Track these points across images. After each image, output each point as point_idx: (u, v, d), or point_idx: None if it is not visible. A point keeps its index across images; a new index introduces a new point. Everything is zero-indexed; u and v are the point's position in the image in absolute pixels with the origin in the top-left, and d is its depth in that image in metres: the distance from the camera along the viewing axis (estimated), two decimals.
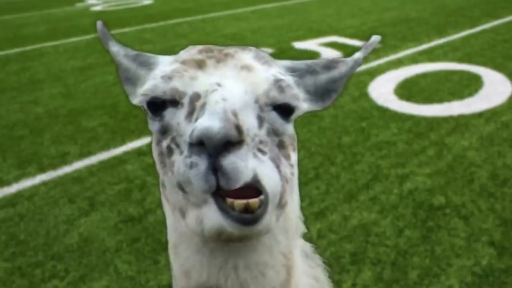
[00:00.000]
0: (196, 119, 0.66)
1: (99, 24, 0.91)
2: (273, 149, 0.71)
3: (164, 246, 2.46)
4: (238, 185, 0.63)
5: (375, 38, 0.89)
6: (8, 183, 3.42)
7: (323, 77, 0.83)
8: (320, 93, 0.83)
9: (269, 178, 0.68)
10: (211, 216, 0.66)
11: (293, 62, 0.83)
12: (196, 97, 0.69)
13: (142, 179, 3.32)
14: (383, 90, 4.66)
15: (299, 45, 6.70)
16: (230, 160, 0.63)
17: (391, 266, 2.32)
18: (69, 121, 4.51)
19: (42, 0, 14.10)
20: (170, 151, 0.71)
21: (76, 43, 7.93)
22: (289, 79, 0.78)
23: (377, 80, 4.93)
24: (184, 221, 0.71)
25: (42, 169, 3.58)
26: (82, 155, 3.77)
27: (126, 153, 3.74)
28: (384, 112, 4.17)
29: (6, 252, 2.65)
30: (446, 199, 2.83)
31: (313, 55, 6.04)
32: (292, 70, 0.81)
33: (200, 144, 0.63)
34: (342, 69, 0.84)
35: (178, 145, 0.70)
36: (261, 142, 0.69)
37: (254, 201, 0.65)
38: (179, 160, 0.68)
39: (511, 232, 2.50)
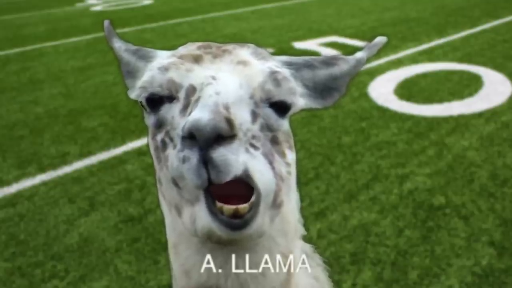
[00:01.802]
0: (190, 113, 0.66)
1: (106, 22, 0.93)
2: (266, 144, 0.71)
3: (164, 246, 2.46)
4: (228, 178, 0.63)
5: (380, 39, 0.87)
6: (8, 183, 3.42)
7: (322, 72, 0.82)
8: (319, 90, 0.82)
9: (261, 173, 0.67)
10: (202, 217, 0.66)
11: (291, 57, 0.83)
12: (191, 90, 0.69)
13: (142, 179, 3.32)
14: (383, 90, 4.66)
15: (299, 45, 6.70)
16: (220, 153, 0.62)
17: (391, 266, 2.32)
18: (69, 121, 4.51)
19: (42, 0, 14.10)
20: (164, 145, 0.71)
21: (76, 43, 7.93)
22: (285, 71, 0.77)
23: (377, 80, 4.94)
24: (181, 220, 0.71)
25: (42, 169, 3.58)
26: (82, 155, 3.77)
27: (126, 153, 3.75)
28: (384, 112, 4.17)
29: (6, 252, 2.65)
30: (446, 199, 2.83)
31: (313, 55, 5.98)
32: (289, 64, 0.81)
33: (192, 138, 0.63)
34: (343, 66, 0.83)
35: (172, 139, 0.70)
36: (253, 137, 0.69)
37: (243, 207, 0.65)
38: (173, 154, 0.68)
39: (511, 232, 2.50)
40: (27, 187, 3.33)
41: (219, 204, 0.65)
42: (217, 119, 0.62)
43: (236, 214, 0.64)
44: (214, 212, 0.65)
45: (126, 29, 8.66)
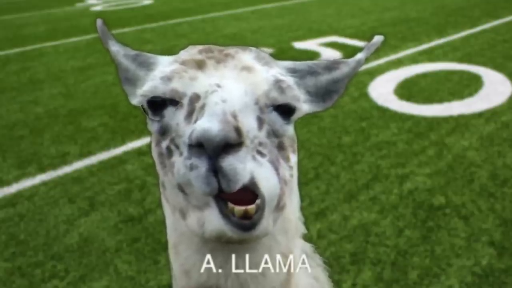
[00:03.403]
0: (196, 120, 0.66)
1: (98, 22, 0.89)
2: (273, 150, 0.71)
3: (164, 246, 2.46)
4: (237, 186, 0.63)
5: (378, 38, 0.87)
6: (8, 183, 3.42)
7: (324, 78, 0.82)
8: (321, 94, 0.82)
9: (267, 180, 0.68)
10: (213, 220, 0.66)
11: (294, 63, 0.83)
12: (195, 98, 0.69)
13: (142, 179, 3.32)
14: (383, 90, 4.66)
15: (299, 45, 6.70)
16: (229, 162, 0.62)
17: (391, 266, 2.33)
18: (69, 121, 4.51)
19: (42, 0, 14.10)
20: (169, 152, 0.70)
21: (76, 43, 7.93)
22: (289, 79, 0.77)
23: (377, 80, 4.94)
24: (185, 222, 0.71)
25: (42, 169, 3.58)
26: (82, 155, 3.77)
27: (126, 153, 3.74)
28: (384, 112, 4.17)
29: (6, 252, 2.65)
30: (446, 199, 2.83)
31: (313, 55, 6.04)
32: (293, 71, 0.80)
33: (199, 146, 0.62)
34: (343, 70, 0.84)
35: (177, 146, 0.69)
36: (260, 144, 0.69)
37: (251, 207, 0.65)
38: (179, 161, 0.67)
39: (511, 232, 2.50)
40: (27, 187, 3.33)
41: (230, 206, 0.65)
42: (226, 129, 0.61)
43: (246, 215, 0.65)
44: (226, 214, 0.65)
45: (126, 29, 8.66)
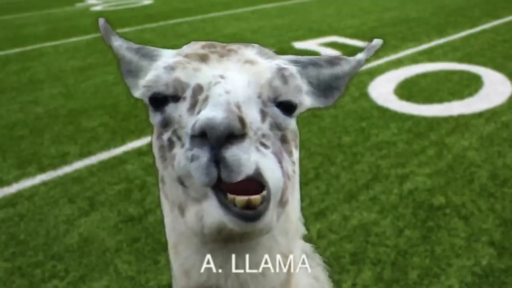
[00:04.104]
0: (199, 112, 0.66)
1: (101, 20, 0.90)
2: (276, 143, 0.71)
3: (164, 246, 2.46)
4: (240, 177, 0.63)
5: (377, 41, 0.89)
6: (8, 183, 3.42)
7: (326, 71, 0.83)
8: (322, 88, 0.83)
9: (272, 172, 0.67)
10: (212, 212, 0.65)
11: (296, 56, 0.84)
12: (198, 89, 0.69)
13: (142, 179, 3.31)
14: (383, 90, 4.66)
15: (299, 45, 6.70)
16: (232, 152, 0.62)
17: (391, 266, 2.32)
18: (69, 121, 4.51)
19: (42, 0, 14.10)
20: (171, 144, 0.70)
21: (76, 43, 7.93)
22: (292, 68, 0.78)
23: (377, 80, 4.94)
24: (183, 219, 0.71)
25: (42, 169, 3.58)
26: (82, 155, 3.77)
27: (126, 153, 3.74)
28: (384, 112, 4.17)
29: (6, 252, 2.65)
30: (446, 199, 2.83)
31: (313, 55, 6.00)
32: (295, 62, 0.81)
33: (202, 136, 0.62)
34: (345, 67, 0.85)
35: (179, 138, 0.69)
36: (263, 136, 0.69)
37: (255, 198, 0.64)
38: (180, 153, 0.67)
39: (511, 232, 2.50)
40: (27, 187, 3.33)
41: (231, 196, 0.64)
42: (230, 118, 0.61)
43: (249, 205, 0.64)
44: (226, 205, 0.64)
45: (126, 29, 8.66)
